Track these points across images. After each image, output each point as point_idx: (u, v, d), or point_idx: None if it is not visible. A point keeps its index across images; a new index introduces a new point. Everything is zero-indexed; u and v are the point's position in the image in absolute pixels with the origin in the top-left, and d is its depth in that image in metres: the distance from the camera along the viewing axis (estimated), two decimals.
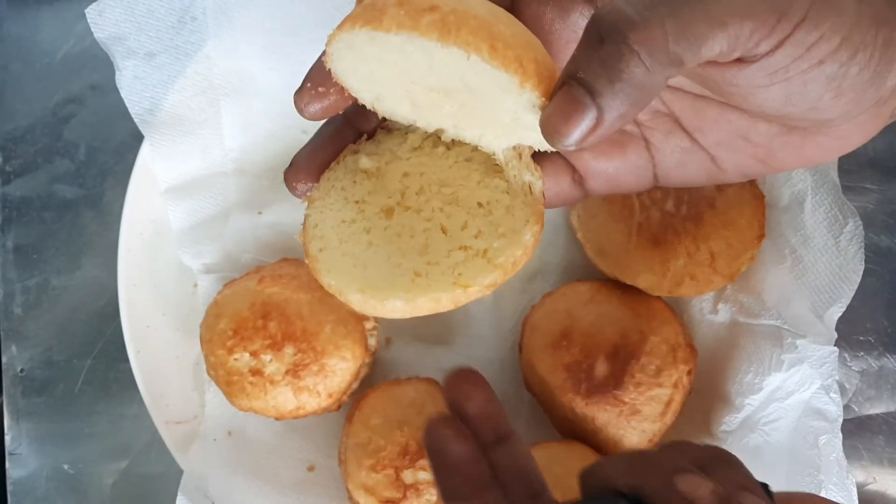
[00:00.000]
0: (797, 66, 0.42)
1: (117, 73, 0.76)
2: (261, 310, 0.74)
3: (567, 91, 0.41)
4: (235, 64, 0.79)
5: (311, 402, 0.74)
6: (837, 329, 0.70)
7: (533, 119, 0.44)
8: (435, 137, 0.53)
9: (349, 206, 0.53)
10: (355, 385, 0.77)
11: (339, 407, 0.77)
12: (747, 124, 0.49)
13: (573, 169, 0.54)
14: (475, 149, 0.52)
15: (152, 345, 0.79)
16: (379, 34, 0.43)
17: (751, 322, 0.75)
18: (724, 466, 0.46)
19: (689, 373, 0.72)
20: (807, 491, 0.69)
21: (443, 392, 0.51)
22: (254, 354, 0.73)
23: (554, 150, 0.48)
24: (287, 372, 0.73)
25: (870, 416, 0.79)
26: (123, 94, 0.76)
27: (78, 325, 0.87)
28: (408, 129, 0.54)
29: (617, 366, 0.71)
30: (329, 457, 0.78)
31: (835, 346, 0.69)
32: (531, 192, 0.51)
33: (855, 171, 0.80)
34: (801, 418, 0.71)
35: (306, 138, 0.56)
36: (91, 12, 0.74)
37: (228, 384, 0.74)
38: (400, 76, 0.47)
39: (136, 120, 0.77)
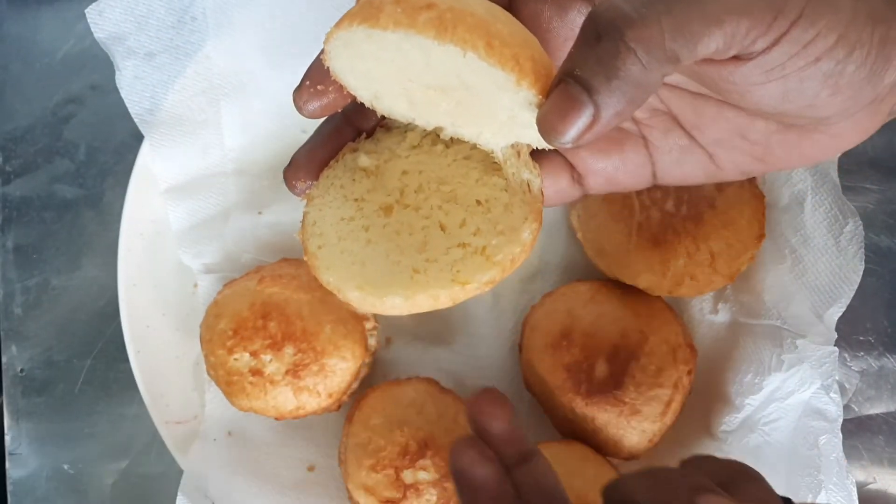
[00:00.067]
0: (793, 63, 0.42)
1: (117, 73, 0.76)
2: (261, 310, 0.74)
3: (564, 88, 0.41)
4: (235, 64, 0.79)
5: (311, 402, 0.74)
6: (837, 329, 0.70)
7: (530, 117, 0.44)
8: (434, 135, 0.54)
9: (348, 204, 0.53)
10: (355, 385, 0.77)
11: (339, 407, 0.77)
12: (745, 122, 0.50)
13: (572, 167, 0.54)
14: (474, 147, 0.52)
15: (152, 345, 0.79)
16: (376, 32, 0.43)
17: (751, 322, 0.75)
18: (746, 482, 0.46)
19: (689, 373, 0.72)
20: (806, 491, 0.69)
21: (466, 412, 0.51)
22: (254, 354, 0.73)
23: (552, 147, 0.48)
24: (287, 372, 0.73)
25: (870, 416, 0.79)
26: (123, 94, 0.76)
27: (78, 325, 0.87)
28: (407, 128, 0.54)
29: (617, 366, 0.71)
30: (329, 457, 0.78)
31: (835, 346, 0.69)
32: (530, 190, 0.51)
33: (855, 171, 0.80)
34: (801, 418, 0.71)
35: (306, 138, 0.56)
36: (91, 12, 0.74)
37: (228, 384, 0.74)
38: (397, 74, 0.47)
39: (136, 120, 0.77)
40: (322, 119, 0.55)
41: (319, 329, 0.74)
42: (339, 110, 0.53)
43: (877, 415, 0.79)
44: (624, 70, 0.39)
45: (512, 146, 0.51)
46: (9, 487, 0.85)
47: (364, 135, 0.55)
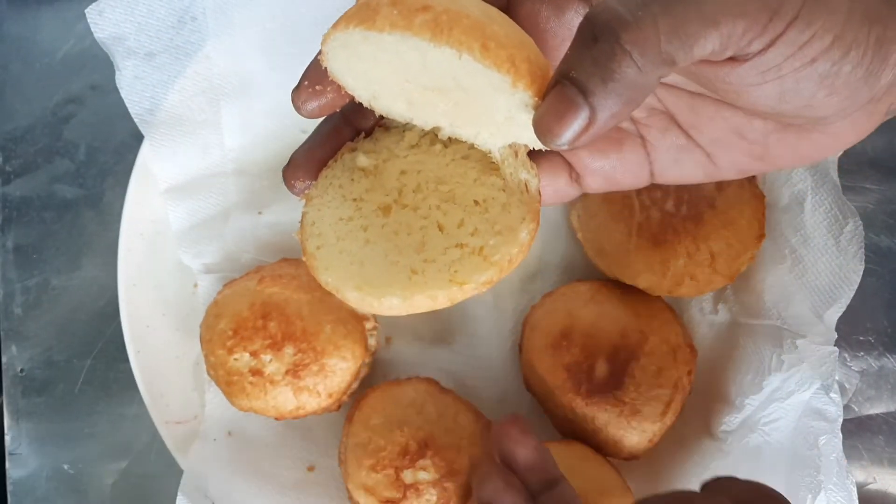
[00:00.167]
0: (790, 64, 0.42)
1: (117, 73, 0.76)
2: (261, 310, 0.74)
3: (560, 90, 0.41)
4: (235, 64, 0.79)
5: (311, 402, 0.74)
6: (837, 329, 0.70)
7: (527, 118, 0.44)
8: (432, 135, 0.54)
9: (347, 204, 0.53)
10: (355, 385, 0.77)
11: (339, 407, 0.77)
12: (742, 121, 0.49)
13: (570, 167, 0.54)
14: (472, 147, 0.52)
15: (152, 345, 0.79)
16: (372, 34, 0.43)
17: (751, 322, 0.75)
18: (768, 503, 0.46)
19: (689, 373, 0.72)
20: (806, 491, 0.69)
21: (491, 439, 0.51)
22: (254, 354, 0.73)
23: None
24: (287, 372, 0.73)
25: (870, 416, 0.79)
26: (123, 94, 0.76)
27: (78, 325, 0.87)
28: (405, 127, 0.54)
29: (617, 366, 0.71)
30: (329, 457, 0.79)
31: (835, 346, 0.69)
32: (527, 190, 0.51)
33: (855, 171, 0.80)
34: (801, 418, 0.71)
35: (306, 138, 0.56)
36: (91, 12, 0.74)
37: (228, 384, 0.74)
38: (395, 74, 0.47)
39: (136, 120, 0.77)
40: (321, 119, 0.55)
41: (319, 329, 0.74)
42: (338, 110, 0.53)
43: (877, 415, 0.79)
44: (619, 73, 0.39)
45: (510, 146, 0.51)
46: (9, 487, 0.85)
47: (363, 134, 0.55)
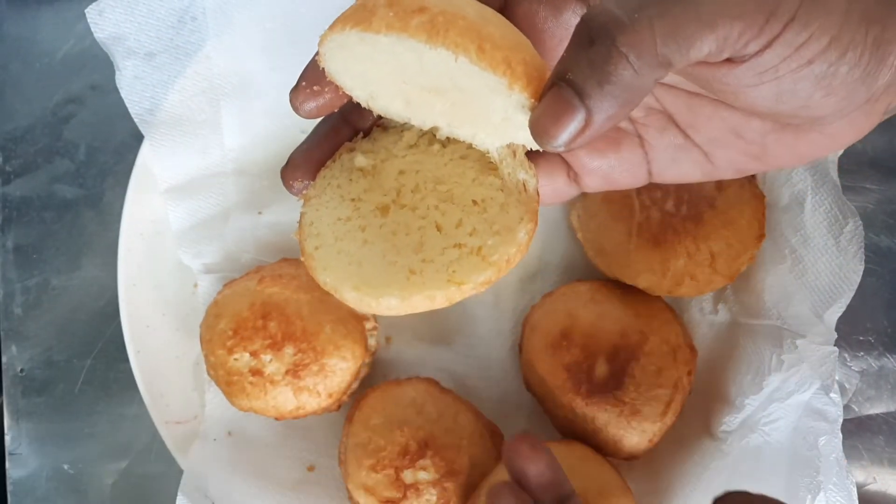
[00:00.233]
0: (787, 65, 0.42)
1: (117, 73, 0.76)
2: (261, 310, 0.74)
3: (556, 92, 0.41)
4: (235, 64, 0.79)
5: (311, 402, 0.74)
6: (837, 329, 0.70)
7: (524, 119, 0.44)
8: (430, 135, 0.53)
9: (345, 204, 0.53)
10: (355, 385, 0.77)
11: (339, 407, 0.77)
12: (740, 121, 0.49)
13: (568, 166, 0.54)
14: (470, 147, 0.52)
15: (152, 345, 0.79)
16: (369, 35, 0.43)
17: (751, 322, 0.75)
18: None
19: (689, 373, 0.72)
20: (806, 491, 0.68)
21: (503, 457, 0.51)
22: (254, 354, 0.73)
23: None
24: (287, 372, 0.73)
25: (870, 416, 0.79)
26: (123, 94, 0.76)
27: (78, 325, 0.87)
28: (403, 127, 0.54)
29: (617, 366, 0.71)
30: (329, 457, 0.79)
31: (835, 346, 0.69)
32: (526, 190, 0.51)
33: (855, 171, 0.80)
34: (801, 418, 0.70)
35: None
36: (91, 12, 0.74)
37: (228, 384, 0.74)
38: (392, 75, 0.47)
39: (136, 120, 0.77)
40: (320, 119, 0.55)
41: (319, 329, 0.74)
42: (336, 110, 0.53)
43: (877, 415, 0.79)
44: (616, 75, 0.39)
45: (507, 146, 0.51)
46: (9, 487, 0.85)
47: (361, 134, 0.55)
